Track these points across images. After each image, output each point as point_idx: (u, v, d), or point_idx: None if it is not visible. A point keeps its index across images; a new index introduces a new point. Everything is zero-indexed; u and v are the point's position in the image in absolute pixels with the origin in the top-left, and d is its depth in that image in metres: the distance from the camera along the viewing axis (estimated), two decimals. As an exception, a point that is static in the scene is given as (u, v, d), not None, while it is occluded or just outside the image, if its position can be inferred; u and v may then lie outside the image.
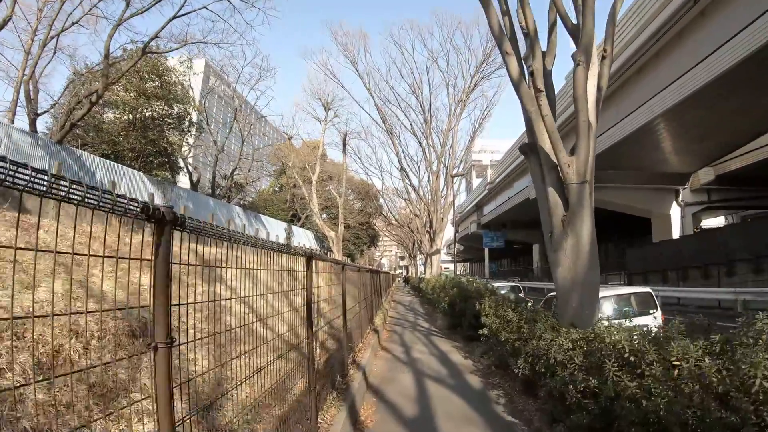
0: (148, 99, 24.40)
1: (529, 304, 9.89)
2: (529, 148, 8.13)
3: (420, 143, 31.49)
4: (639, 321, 9.68)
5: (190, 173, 32.48)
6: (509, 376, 7.69)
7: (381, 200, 54.98)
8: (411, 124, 32.66)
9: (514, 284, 20.39)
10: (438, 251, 30.62)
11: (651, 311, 10.11)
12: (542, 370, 5.71)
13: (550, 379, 5.31)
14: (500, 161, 51.40)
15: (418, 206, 36.63)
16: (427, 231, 32.50)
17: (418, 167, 34.82)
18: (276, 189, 60.09)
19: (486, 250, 68.42)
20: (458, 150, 32.20)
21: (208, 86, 44.60)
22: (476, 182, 73.60)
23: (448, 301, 14.23)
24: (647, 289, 10.66)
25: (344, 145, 30.11)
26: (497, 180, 51.62)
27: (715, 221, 51.29)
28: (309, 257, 4.32)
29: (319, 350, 6.23)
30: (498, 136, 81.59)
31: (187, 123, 28.34)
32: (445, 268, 55.82)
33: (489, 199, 58.69)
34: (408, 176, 33.25)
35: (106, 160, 22.57)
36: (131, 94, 24.29)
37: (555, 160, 7.39)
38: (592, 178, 7.16)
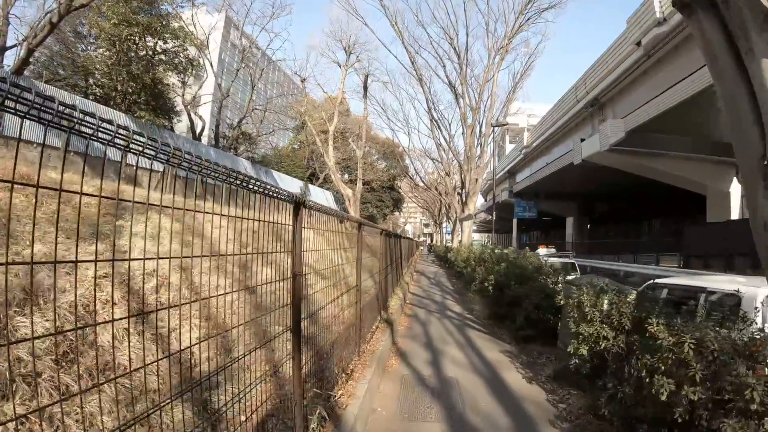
0: (131, 26, 20.49)
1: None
2: (699, -4, 3.96)
3: (455, 91, 27.03)
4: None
5: (191, 120, 28.84)
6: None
7: (407, 160, 50.80)
8: (444, 71, 28.18)
9: (568, 260, 16.12)
10: (470, 216, 26.52)
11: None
12: None
13: None
14: (539, 123, 46.35)
15: (449, 165, 32.37)
16: (458, 193, 28.39)
17: (449, 123, 30.57)
18: (295, 147, 56.56)
19: (514, 221, 64.47)
20: (497, 103, 27.69)
21: (228, 39, 39.99)
22: (509, 148, 68.41)
23: (492, 281, 10.21)
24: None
25: (365, 88, 25.82)
26: (534, 144, 46.89)
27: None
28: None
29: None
30: (535, 100, 75.50)
31: (183, 60, 24.34)
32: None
33: (523, 165, 54.10)
34: (439, 128, 28.88)
35: (78, 97, 19.16)
36: (113, 22, 20.46)
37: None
38: None
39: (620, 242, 45.50)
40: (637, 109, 25.15)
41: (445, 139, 29.55)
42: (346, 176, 48.16)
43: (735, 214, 27.37)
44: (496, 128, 25.80)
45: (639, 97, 25.37)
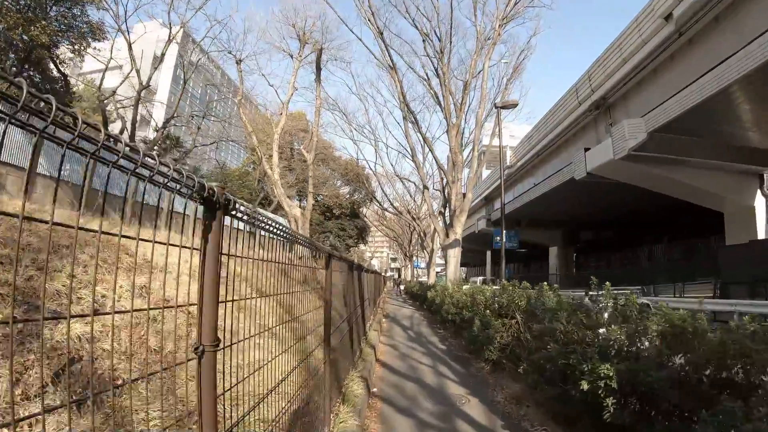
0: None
1: None
2: None
3: (439, 79, 21.24)
4: None
5: (104, 117, 22.36)
6: None
7: (374, 183, 44.50)
8: (424, 49, 22.45)
9: (644, 301, 10.03)
10: (458, 242, 20.21)
11: None
12: None
13: None
14: (525, 138, 40.99)
15: (425, 177, 26.16)
16: (440, 213, 22.33)
17: (427, 128, 24.68)
18: (250, 169, 50.30)
19: (488, 253, 59.01)
20: (488, 97, 22.06)
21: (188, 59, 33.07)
22: (486, 174, 62.93)
23: (612, 377, 3.68)
24: None
25: (318, 69, 19.35)
26: (519, 163, 41.63)
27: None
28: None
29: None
30: (516, 120, 69.84)
31: (81, 24, 17.87)
32: (439, 273, 44.00)
33: (504, 190, 48.86)
34: (415, 121, 22.70)
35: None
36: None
37: None
38: None
39: (618, 271, 40.19)
40: (663, 102, 19.82)
41: (421, 134, 23.43)
42: (303, 202, 41.69)
43: (761, 233, 22.61)
44: (510, 105, 19.95)
45: (663, 90, 20.25)
